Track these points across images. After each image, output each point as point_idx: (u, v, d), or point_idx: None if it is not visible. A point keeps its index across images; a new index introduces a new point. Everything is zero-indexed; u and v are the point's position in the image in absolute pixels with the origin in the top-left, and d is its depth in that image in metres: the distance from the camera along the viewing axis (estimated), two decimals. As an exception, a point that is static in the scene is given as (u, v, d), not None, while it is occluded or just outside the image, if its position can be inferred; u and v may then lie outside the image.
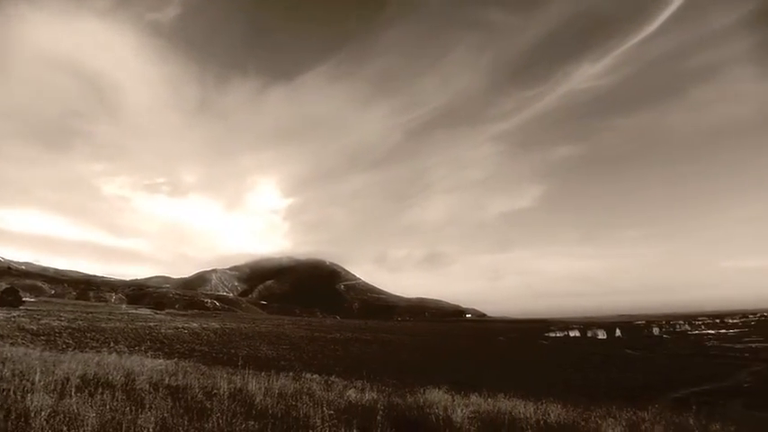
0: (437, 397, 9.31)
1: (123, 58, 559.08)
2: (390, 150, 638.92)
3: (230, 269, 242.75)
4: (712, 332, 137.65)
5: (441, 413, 7.75)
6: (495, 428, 7.27)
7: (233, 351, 36.16)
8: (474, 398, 10.45)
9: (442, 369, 35.16)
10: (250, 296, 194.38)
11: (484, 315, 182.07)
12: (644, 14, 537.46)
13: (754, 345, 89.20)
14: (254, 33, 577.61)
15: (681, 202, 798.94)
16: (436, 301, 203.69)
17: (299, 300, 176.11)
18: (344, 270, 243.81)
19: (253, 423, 6.10)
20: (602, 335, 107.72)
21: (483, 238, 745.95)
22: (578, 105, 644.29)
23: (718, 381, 42.10)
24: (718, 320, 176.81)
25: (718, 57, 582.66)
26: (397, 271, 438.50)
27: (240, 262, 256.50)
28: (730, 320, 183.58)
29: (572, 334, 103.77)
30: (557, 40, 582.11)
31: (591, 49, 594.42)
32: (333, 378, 17.47)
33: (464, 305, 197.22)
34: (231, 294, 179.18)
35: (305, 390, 10.48)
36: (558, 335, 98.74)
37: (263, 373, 13.01)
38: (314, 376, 17.06)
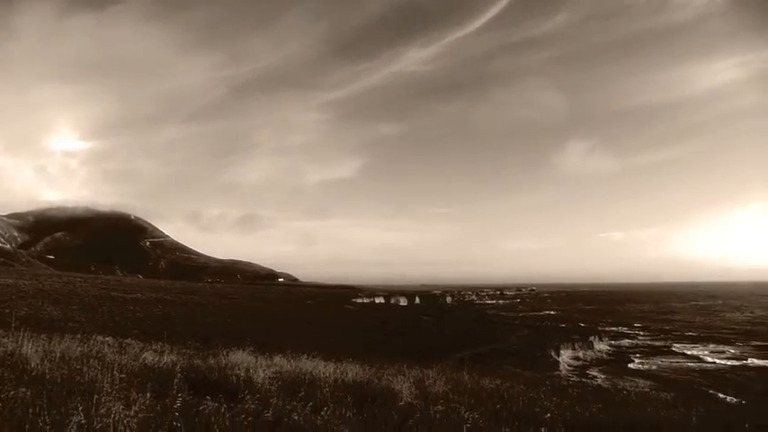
0: (240, 358, 9.30)
1: None
2: (212, 104, 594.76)
3: (8, 216, 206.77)
4: (493, 302, 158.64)
5: (243, 374, 7.78)
6: (295, 387, 7.53)
7: (7, 311, 31.33)
8: (278, 359, 10.65)
9: (250, 331, 34.92)
10: (33, 249, 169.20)
11: (296, 279, 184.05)
12: (469, 13, 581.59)
13: (522, 314, 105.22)
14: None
15: (480, 188, 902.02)
16: (249, 263, 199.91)
17: (96, 255, 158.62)
18: (152, 226, 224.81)
19: (24, 390, 5.44)
20: (403, 302, 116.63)
21: (300, 204, 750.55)
22: (404, 86, 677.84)
23: (494, 343, 48.82)
24: (498, 292, 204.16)
25: (518, 65, 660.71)
26: (211, 231, 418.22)
27: (22, 209, 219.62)
28: (508, 293, 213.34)
29: (377, 300, 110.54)
30: (392, 19, 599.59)
31: (421, 35, 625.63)
32: (129, 341, 16.29)
33: (277, 269, 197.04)
34: (9, 246, 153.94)
35: (94, 353, 9.63)
36: (364, 300, 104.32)
37: (43, 336, 11.59)
38: (107, 339, 15.70)
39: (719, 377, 39.14)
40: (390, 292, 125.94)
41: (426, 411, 6.45)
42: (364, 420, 5.87)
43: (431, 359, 23.91)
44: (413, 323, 62.05)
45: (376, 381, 8.62)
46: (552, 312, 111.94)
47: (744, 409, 5.90)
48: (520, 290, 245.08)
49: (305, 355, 11.59)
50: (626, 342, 62.25)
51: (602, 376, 40.02)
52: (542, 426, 5.35)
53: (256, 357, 10.06)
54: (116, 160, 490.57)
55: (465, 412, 6.32)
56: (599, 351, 53.27)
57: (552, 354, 46.01)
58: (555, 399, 8.66)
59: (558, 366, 43.10)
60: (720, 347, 57.04)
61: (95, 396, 5.36)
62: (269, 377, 7.88)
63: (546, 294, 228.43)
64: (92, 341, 13.23)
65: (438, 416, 6.14)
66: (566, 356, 47.95)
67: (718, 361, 48.73)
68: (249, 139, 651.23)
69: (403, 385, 8.00)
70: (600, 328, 68.02)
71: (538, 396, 8.63)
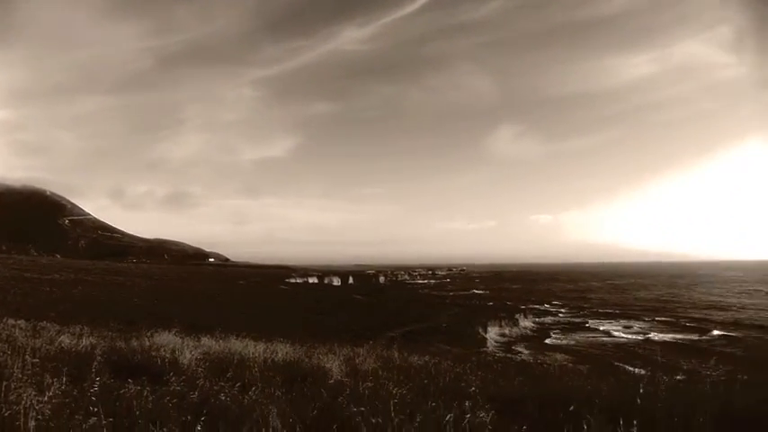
0: (166, 340, 9.03)
1: None
2: (136, 76, 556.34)
3: None
4: (425, 281, 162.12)
5: (168, 356, 7.56)
6: (223, 368, 7.42)
7: None
8: (206, 340, 10.44)
9: (178, 313, 33.93)
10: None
11: (227, 260, 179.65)
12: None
13: (452, 292, 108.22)
14: None
15: (414, 169, 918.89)
16: (177, 243, 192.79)
17: (7, 234, 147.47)
18: (70, 203, 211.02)
19: None
20: (337, 282, 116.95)
21: (232, 182, 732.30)
22: (339, 66, 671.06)
23: (425, 322, 49.98)
24: (430, 272, 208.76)
25: (452, 49, 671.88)
26: (136, 209, 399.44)
27: None
28: (439, 272, 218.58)
29: (311, 280, 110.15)
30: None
31: (358, 14, 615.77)
32: (44, 324, 15.40)
33: (207, 248, 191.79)
34: None
35: (4, 337, 9.04)
36: (297, 281, 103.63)
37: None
38: (18, 322, 14.76)
39: (628, 350, 42.17)
40: (324, 273, 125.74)
41: (356, 388, 6.54)
42: (293, 399, 5.88)
43: (363, 338, 24.21)
44: (346, 303, 62.40)
45: (306, 360, 8.63)
46: (481, 291, 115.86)
47: (645, 379, 6.42)
48: (451, 269, 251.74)
49: (234, 336, 11.41)
50: (548, 319, 65.60)
51: (526, 351, 42.02)
52: (467, 399, 5.57)
53: (183, 338, 9.80)
54: (27, 132, 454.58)
55: (393, 388, 6.47)
56: (524, 328, 55.79)
57: (480, 331, 47.72)
58: (480, 373, 9.03)
59: (486, 343, 44.79)
60: (630, 323, 61.41)
61: (4, 382, 5.04)
62: (196, 358, 7.70)
63: (476, 274, 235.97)
64: (1, 324, 12.42)
65: (367, 392, 6.25)
66: (493, 333, 49.89)
67: (627, 336, 52.60)
68: (177, 114, 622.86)
69: (333, 363, 8.06)
70: (525, 307, 71.07)
71: (464, 371, 8.97)
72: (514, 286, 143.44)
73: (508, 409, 6.16)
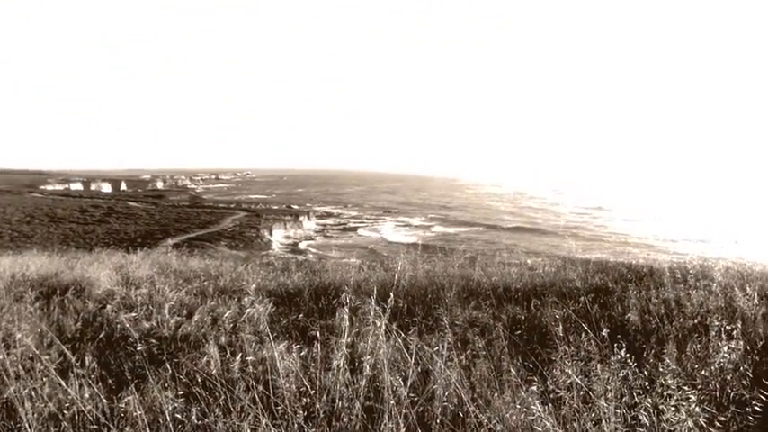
0: None
1: None
2: None
3: None
4: (208, 187, 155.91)
5: None
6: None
7: None
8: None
9: None
10: None
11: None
12: None
13: (237, 198, 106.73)
14: None
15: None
16: None
17: None
18: None
19: None
20: (107, 188, 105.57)
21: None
22: None
23: (209, 227, 48.70)
24: (214, 177, 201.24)
25: None
26: None
27: None
28: (224, 177, 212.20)
29: (74, 187, 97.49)
30: None
31: None
32: None
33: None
34: None
35: None
36: (56, 187, 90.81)
37: None
38: None
39: (395, 247, 47.70)
40: (90, 178, 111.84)
41: (128, 296, 6.20)
42: (51, 313, 5.34)
43: (140, 247, 22.58)
44: (119, 211, 56.97)
45: (68, 271, 7.80)
46: (266, 196, 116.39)
47: (407, 268, 7.41)
48: (236, 174, 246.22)
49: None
50: (329, 221, 69.84)
51: (313, 251, 44.36)
52: (246, 295, 5.73)
53: None
54: None
55: (170, 292, 6.31)
56: (308, 229, 58.35)
57: (266, 234, 48.50)
58: (262, 272, 9.26)
59: (272, 245, 45.86)
60: (395, 221, 69.39)
61: None
62: None
63: (260, 179, 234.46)
64: None
65: (140, 298, 5.98)
66: (278, 236, 51.16)
67: (393, 236, 59.85)
68: None
69: (101, 273, 7.43)
70: (308, 210, 73.98)
71: (246, 271, 9.09)
72: (298, 190, 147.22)
73: (287, 301, 6.55)
